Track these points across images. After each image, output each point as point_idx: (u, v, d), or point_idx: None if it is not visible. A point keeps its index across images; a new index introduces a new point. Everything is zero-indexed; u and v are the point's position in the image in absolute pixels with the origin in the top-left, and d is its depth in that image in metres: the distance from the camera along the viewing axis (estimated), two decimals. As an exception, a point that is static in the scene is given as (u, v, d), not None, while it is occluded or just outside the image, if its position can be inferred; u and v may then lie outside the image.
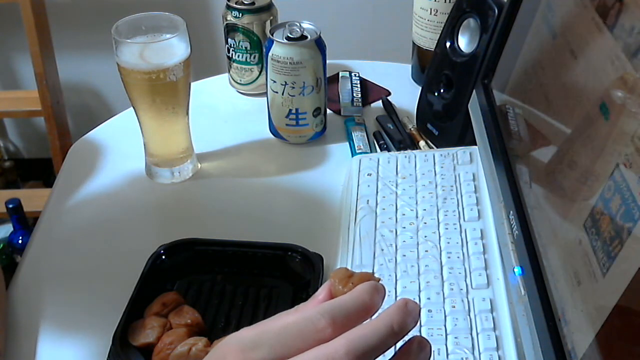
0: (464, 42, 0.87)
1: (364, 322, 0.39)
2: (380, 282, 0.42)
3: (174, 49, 0.81)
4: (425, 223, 0.74)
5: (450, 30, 0.88)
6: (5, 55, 2.11)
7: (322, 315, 0.38)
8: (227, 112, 1.03)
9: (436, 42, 0.92)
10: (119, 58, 0.80)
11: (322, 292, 0.42)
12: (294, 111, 0.91)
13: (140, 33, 0.82)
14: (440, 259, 0.70)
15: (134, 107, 0.85)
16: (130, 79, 0.81)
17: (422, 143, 0.93)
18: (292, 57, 0.87)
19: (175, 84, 0.81)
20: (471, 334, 0.63)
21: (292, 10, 1.03)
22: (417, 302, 0.65)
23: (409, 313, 0.39)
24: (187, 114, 0.86)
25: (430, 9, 0.98)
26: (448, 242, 0.72)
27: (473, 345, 0.62)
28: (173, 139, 0.88)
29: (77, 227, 0.84)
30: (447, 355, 0.61)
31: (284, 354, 0.38)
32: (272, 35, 0.88)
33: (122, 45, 0.80)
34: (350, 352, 0.37)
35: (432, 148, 0.92)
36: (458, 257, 0.70)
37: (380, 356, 0.38)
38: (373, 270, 0.70)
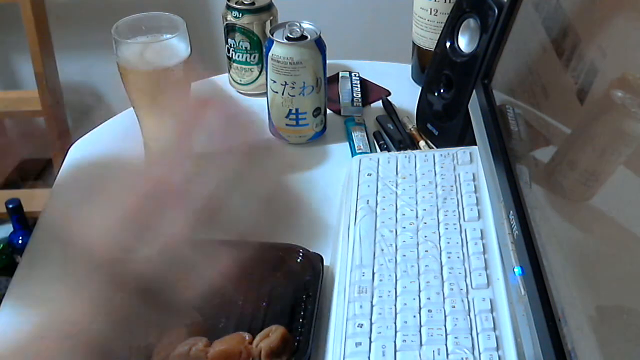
0: (464, 42, 0.87)
1: None
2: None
3: (174, 49, 0.81)
4: (425, 223, 0.74)
5: (450, 30, 0.88)
6: (5, 55, 2.11)
7: None
8: (227, 112, 1.03)
9: (436, 42, 0.92)
10: (119, 58, 0.80)
11: None
12: (294, 111, 0.91)
13: (141, 33, 0.82)
14: (440, 259, 0.70)
15: (134, 107, 0.85)
16: (130, 79, 0.80)
17: (422, 143, 0.93)
18: (292, 57, 0.87)
19: (175, 84, 0.81)
20: (471, 334, 0.63)
21: (292, 10, 1.03)
22: (417, 301, 0.65)
23: None
24: (187, 114, 0.86)
25: (430, 9, 0.98)
26: (448, 242, 0.72)
27: (473, 345, 0.62)
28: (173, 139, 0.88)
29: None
30: (447, 355, 0.61)
31: None
32: (272, 35, 0.88)
33: (122, 45, 0.80)
34: None
35: (432, 148, 0.92)
36: (458, 257, 0.70)
37: None
38: (373, 270, 0.70)
